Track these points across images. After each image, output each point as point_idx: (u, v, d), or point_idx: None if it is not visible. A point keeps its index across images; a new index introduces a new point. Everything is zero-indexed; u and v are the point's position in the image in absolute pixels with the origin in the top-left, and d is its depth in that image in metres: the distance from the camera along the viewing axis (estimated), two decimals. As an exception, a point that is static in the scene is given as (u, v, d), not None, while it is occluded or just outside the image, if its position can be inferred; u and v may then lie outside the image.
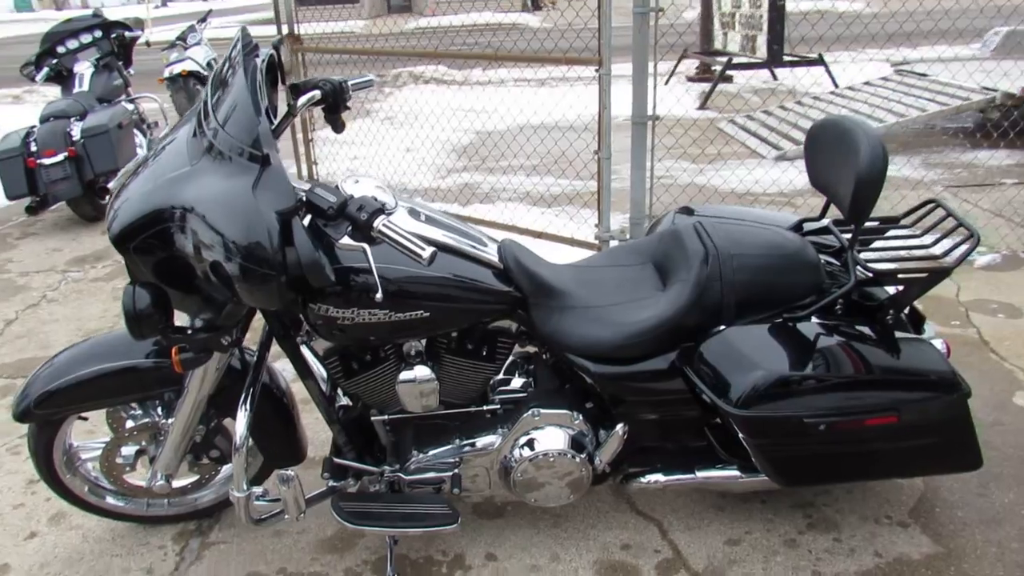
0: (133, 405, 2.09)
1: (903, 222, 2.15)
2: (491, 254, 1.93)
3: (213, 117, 1.61)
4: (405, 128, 6.52)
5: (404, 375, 1.92)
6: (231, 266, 1.48)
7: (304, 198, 1.62)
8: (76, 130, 5.13)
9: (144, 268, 1.68)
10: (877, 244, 2.07)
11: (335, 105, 2.10)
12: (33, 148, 5.05)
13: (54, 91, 6.42)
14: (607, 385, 1.96)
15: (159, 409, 2.09)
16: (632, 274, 2.08)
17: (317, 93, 2.06)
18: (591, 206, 4.15)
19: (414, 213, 1.89)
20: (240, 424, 1.81)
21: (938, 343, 2.01)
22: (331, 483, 2.08)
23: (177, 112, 8.12)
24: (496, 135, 6.12)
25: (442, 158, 6.54)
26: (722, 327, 1.89)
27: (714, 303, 1.88)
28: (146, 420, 2.08)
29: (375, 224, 1.56)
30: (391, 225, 1.56)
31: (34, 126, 5.22)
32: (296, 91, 2.05)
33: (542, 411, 2.01)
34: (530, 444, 2.01)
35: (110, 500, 2.23)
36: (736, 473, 2.07)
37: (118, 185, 1.77)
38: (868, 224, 2.13)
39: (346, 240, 1.60)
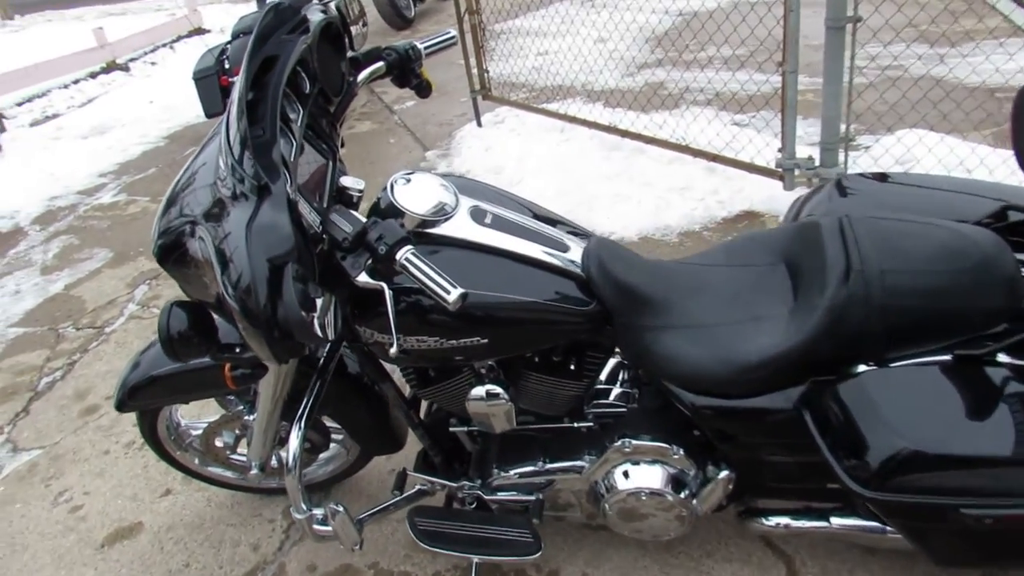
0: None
1: None
2: (571, 261, 1.60)
3: (225, 131, 1.40)
4: (607, 11, 5.86)
5: (474, 392, 1.69)
6: (227, 311, 1.31)
7: (319, 229, 1.39)
8: (263, 45, 5.22)
9: (185, 285, 1.56)
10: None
11: (403, 76, 1.82)
12: (226, 66, 5.22)
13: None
14: (710, 421, 1.61)
15: (246, 403, 2.05)
16: (756, 278, 1.64)
17: (381, 66, 1.78)
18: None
19: (478, 214, 1.59)
20: (292, 443, 1.69)
21: None
22: (410, 492, 1.96)
23: (377, 9, 8.09)
24: (704, 15, 5.37)
25: (635, 49, 5.95)
26: (862, 367, 1.44)
27: (854, 333, 1.42)
28: (240, 408, 2.06)
29: (396, 257, 1.31)
30: (413, 260, 1.30)
31: (229, 42, 5.39)
32: (357, 65, 1.78)
33: (634, 442, 1.70)
34: (623, 474, 1.73)
35: (222, 473, 2.28)
36: (880, 526, 1.66)
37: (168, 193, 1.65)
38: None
39: (363, 278, 1.36)
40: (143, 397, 1.97)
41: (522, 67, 5.81)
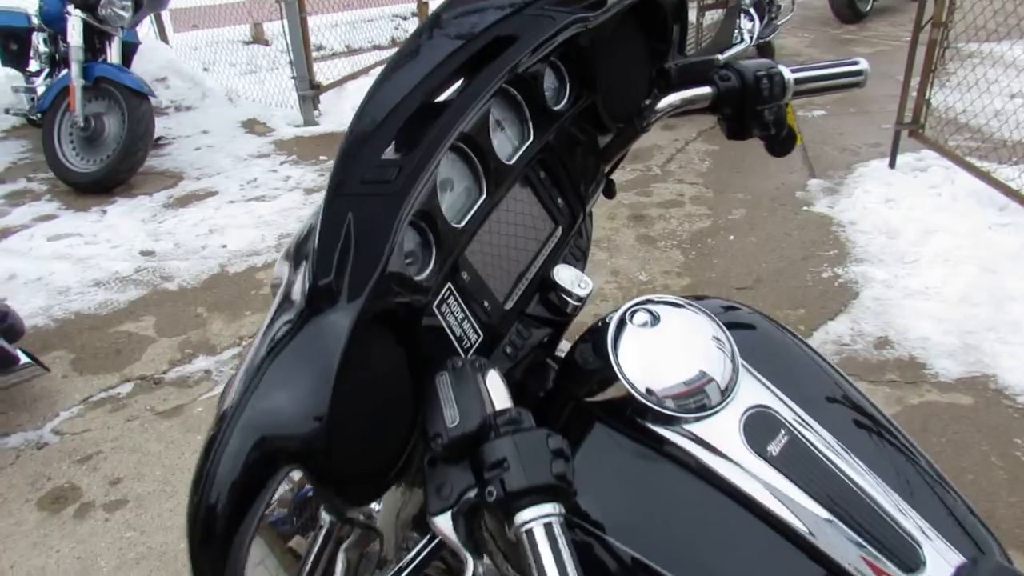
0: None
1: None
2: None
3: None
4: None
5: None
6: None
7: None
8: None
9: None
10: None
11: (739, 117, 1.05)
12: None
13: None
14: None
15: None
16: None
17: (706, 93, 1.03)
18: None
19: (761, 428, 0.78)
20: None
21: None
22: None
23: None
24: None
25: None
26: None
27: None
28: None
29: (515, 519, 0.61)
30: (541, 543, 0.59)
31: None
32: (666, 83, 1.05)
33: None
34: None
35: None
36: None
37: None
38: None
39: (445, 523, 0.68)
40: None
41: (981, 106, 4.46)
